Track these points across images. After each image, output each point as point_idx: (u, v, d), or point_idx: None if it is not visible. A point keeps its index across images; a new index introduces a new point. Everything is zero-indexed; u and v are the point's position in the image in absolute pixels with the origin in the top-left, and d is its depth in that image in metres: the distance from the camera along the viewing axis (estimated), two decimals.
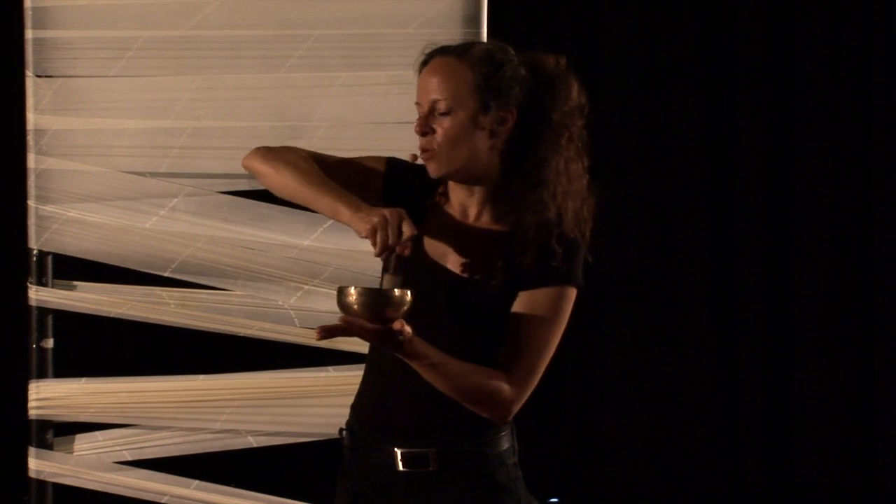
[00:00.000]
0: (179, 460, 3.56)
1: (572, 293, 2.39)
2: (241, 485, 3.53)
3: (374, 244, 2.23)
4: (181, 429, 3.53)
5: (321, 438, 3.37)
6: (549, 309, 2.36)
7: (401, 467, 2.39)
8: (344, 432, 2.50)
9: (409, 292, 2.21)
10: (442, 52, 2.38)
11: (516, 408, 2.36)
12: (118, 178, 3.49)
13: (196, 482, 3.54)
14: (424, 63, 2.39)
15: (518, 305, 2.36)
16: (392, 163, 2.49)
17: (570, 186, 2.37)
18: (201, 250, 3.45)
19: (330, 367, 3.40)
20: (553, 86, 2.38)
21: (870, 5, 4.49)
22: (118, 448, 3.57)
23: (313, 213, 2.68)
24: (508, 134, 2.36)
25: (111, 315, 3.54)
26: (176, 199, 3.45)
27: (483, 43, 2.44)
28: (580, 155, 2.41)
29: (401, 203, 2.41)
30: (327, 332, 2.19)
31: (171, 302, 3.50)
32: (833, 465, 4.55)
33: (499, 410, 2.35)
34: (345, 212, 2.30)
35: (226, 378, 3.48)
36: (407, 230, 2.23)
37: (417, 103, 2.37)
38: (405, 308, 2.21)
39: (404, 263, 2.26)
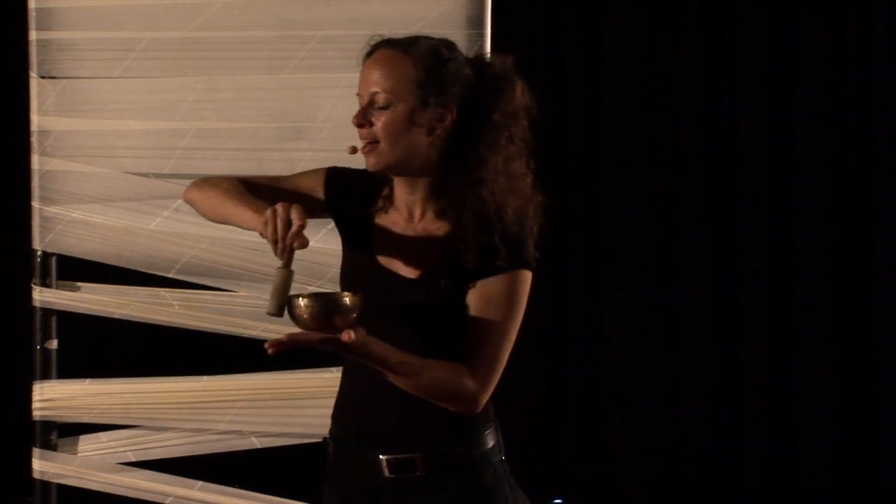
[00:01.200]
0: (183, 461, 3.57)
1: (525, 276, 2.36)
2: (245, 486, 3.53)
3: (267, 239, 2.21)
4: (185, 430, 3.54)
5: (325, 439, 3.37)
6: (503, 295, 2.33)
7: (387, 474, 2.38)
8: (328, 441, 2.49)
9: (352, 296, 2.18)
10: (387, 44, 2.36)
11: (483, 399, 2.34)
12: (122, 180, 3.49)
13: (200, 483, 3.55)
14: (369, 54, 2.37)
15: (471, 296, 2.33)
16: (331, 172, 2.49)
17: (510, 185, 2.34)
18: (205, 251, 3.46)
19: (334, 368, 3.39)
20: (496, 85, 2.36)
21: (873, 4, 4.48)
22: (122, 449, 3.57)
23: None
24: (447, 132, 2.34)
25: (115, 316, 3.54)
26: (179, 201, 3.45)
27: (430, 38, 2.38)
28: (521, 154, 2.38)
29: (347, 210, 2.43)
30: (277, 346, 2.17)
31: (174, 303, 3.51)
32: (837, 465, 4.54)
33: (465, 403, 2.33)
34: (251, 217, 2.29)
35: (229, 379, 3.48)
36: (296, 220, 2.20)
37: (358, 94, 2.35)
38: (354, 314, 2.18)
39: (292, 260, 2.22)
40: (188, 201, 2.51)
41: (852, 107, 4.52)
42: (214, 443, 3.54)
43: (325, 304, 2.18)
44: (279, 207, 2.21)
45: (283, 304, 2.20)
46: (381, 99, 2.31)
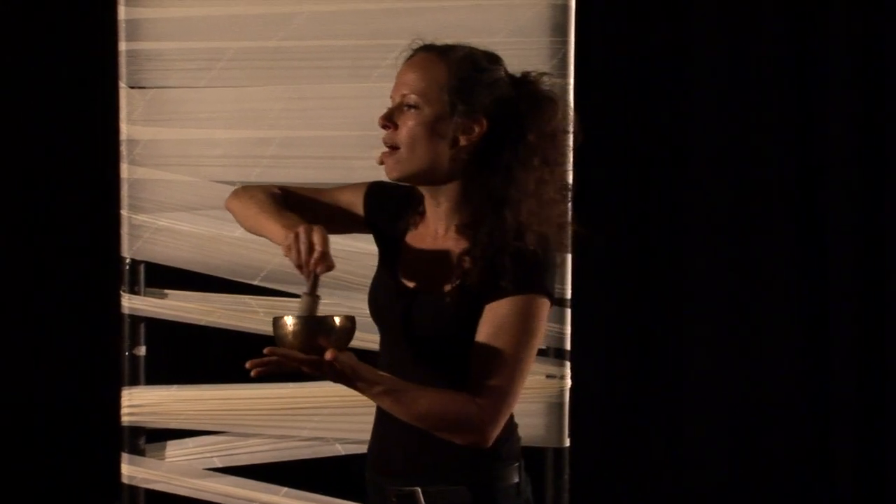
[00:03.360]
0: (268, 467, 3.58)
1: (539, 303, 2.20)
2: (329, 492, 3.54)
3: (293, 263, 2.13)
4: (270, 436, 3.55)
5: None
6: (513, 321, 2.18)
7: None
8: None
9: (342, 317, 2.09)
10: (426, 48, 2.30)
11: (491, 431, 2.17)
12: (209, 188, 3.52)
13: (285, 489, 3.56)
14: (408, 58, 2.31)
15: (482, 321, 2.19)
16: (372, 187, 2.43)
17: (538, 209, 2.22)
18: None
19: None
20: (535, 103, 2.25)
21: None
22: (208, 455, 3.60)
23: None
24: (474, 144, 2.24)
25: (201, 323, 3.57)
26: None
27: (472, 48, 2.30)
28: (556, 179, 2.26)
29: (383, 226, 2.36)
30: (259, 365, 2.08)
31: (259, 310, 3.52)
32: None
33: (471, 435, 2.17)
34: (278, 233, 2.21)
35: (314, 386, 3.49)
36: (318, 245, 2.12)
37: (391, 96, 2.29)
38: (341, 336, 2.08)
39: (318, 284, 2.14)
40: (228, 210, 2.45)
41: None
42: (299, 449, 3.55)
43: (309, 323, 2.08)
44: (301, 231, 2.13)
45: None
46: (410, 100, 2.24)
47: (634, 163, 4.43)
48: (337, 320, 2.08)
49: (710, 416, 4.51)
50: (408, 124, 2.24)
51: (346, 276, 3.42)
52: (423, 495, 2.27)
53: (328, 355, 2.04)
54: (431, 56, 2.27)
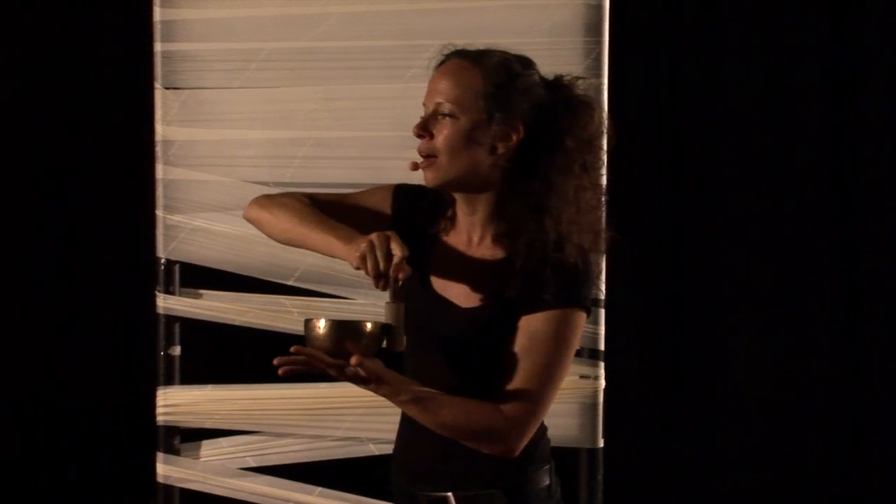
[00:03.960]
0: (302, 467, 3.59)
1: (576, 317, 2.19)
2: (363, 492, 3.54)
3: (367, 273, 2.09)
4: (304, 436, 3.56)
5: None
6: (548, 335, 2.16)
7: None
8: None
9: (369, 324, 2.06)
10: (458, 54, 2.26)
11: (517, 442, 2.16)
12: (243, 188, 3.53)
13: (319, 489, 3.57)
14: (440, 63, 2.27)
15: (517, 332, 2.18)
16: (399, 190, 2.40)
17: (578, 217, 2.20)
18: (323, 259, 3.47)
19: None
20: (571, 108, 2.23)
21: None
22: (242, 454, 3.61)
23: None
24: (512, 151, 2.21)
25: (236, 323, 3.58)
26: None
27: (505, 53, 2.26)
28: (595, 185, 2.24)
29: (411, 231, 2.30)
30: (287, 364, 2.06)
31: (293, 310, 3.53)
32: None
33: (496, 446, 2.16)
34: (338, 245, 2.18)
35: (348, 386, 3.43)
36: (397, 251, 2.08)
37: (423, 104, 2.26)
38: (364, 340, 2.07)
39: (404, 291, 2.11)
40: (250, 220, 2.40)
41: None
42: (333, 449, 3.56)
43: (338, 326, 2.06)
44: (376, 239, 2.09)
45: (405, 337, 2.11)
46: (445, 108, 2.21)
47: (668, 163, 4.42)
48: (367, 326, 2.07)
49: (743, 417, 4.49)
50: (444, 133, 2.21)
51: None
52: (456, 500, 2.26)
53: (353, 360, 2.05)
54: (465, 62, 2.24)
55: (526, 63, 2.27)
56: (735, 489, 4.50)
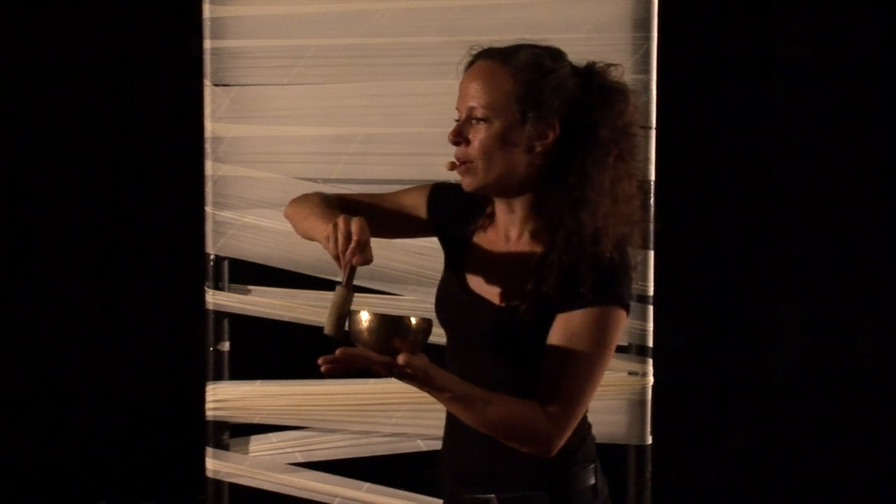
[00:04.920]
0: (350, 463, 3.60)
1: (616, 314, 2.15)
2: (411, 488, 3.55)
3: (330, 253, 2.09)
4: (352, 432, 3.57)
5: None
6: (587, 332, 2.13)
7: None
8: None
9: (418, 319, 2.04)
10: (486, 54, 2.23)
11: (557, 441, 2.14)
12: (292, 185, 3.54)
13: (367, 485, 3.58)
14: (469, 65, 2.24)
15: (554, 329, 2.15)
16: (436, 189, 2.37)
17: (615, 208, 2.16)
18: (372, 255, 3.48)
19: None
20: (604, 97, 2.18)
21: None
22: (291, 450, 3.62)
23: None
24: (549, 149, 2.18)
25: (284, 319, 3.59)
26: None
27: (535, 47, 2.20)
28: (631, 175, 2.19)
29: (450, 228, 2.30)
30: (332, 362, 2.03)
31: None
32: None
33: (537, 444, 2.13)
34: (320, 229, 2.17)
35: (396, 382, 3.46)
36: (356, 234, 2.06)
37: (456, 108, 2.23)
38: (417, 338, 2.04)
39: (353, 278, 2.10)
40: (286, 218, 2.41)
41: None
42: (381, 445, 3.56)
43: (385, 322, 2.04)
44: (340, 221, 2.08)
45: (341, 323, 2.08)
46: (478, 113, 2.18)
47: (717, 157, 4.40)
48: (413, 321, 2.05)
49: (794, 413, 4.46)
50: (479, 138, 2.18)
51: (427, 272, 3.42)
52: (500, 503, 2.25)
53: (401, 359, 2.02)
54: (493, 63, 2.21)
55: (556, 55, 2.22)
56: (785, 486, 4.47)
